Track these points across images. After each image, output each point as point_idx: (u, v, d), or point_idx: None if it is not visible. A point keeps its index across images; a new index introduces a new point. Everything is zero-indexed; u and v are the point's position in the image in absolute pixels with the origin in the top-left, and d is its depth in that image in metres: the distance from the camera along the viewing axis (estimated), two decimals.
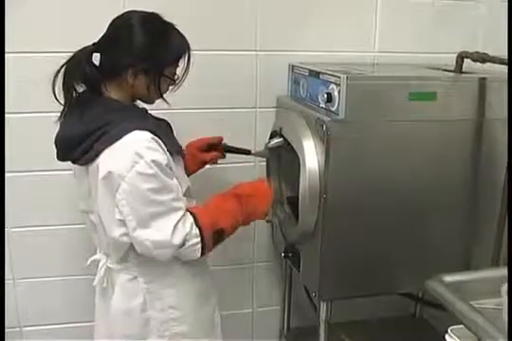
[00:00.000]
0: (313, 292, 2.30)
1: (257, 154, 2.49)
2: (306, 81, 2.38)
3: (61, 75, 1.82)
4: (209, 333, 2.15)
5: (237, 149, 2.41)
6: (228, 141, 2.40)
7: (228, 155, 2.41)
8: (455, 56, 2.33)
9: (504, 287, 1.50)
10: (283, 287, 2.98)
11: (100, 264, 2.04)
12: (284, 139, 2.33)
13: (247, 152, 2.43)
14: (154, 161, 1.74)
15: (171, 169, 1.83)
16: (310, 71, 2.34)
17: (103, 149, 1.77)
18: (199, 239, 1.86)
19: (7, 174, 2.41)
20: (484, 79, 2.17)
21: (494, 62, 2.15)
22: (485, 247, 2.25)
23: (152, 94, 1.90)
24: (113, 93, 1.88)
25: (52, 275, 2.69)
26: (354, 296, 2.37)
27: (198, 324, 2.09)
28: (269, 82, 2.61)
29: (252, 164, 2.69)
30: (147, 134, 1.77)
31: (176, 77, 1.94)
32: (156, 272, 1.97)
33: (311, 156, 2.12)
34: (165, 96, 1.95)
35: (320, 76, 2.22)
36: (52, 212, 2.59)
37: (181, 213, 1.83)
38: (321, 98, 2.18)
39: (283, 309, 3.01)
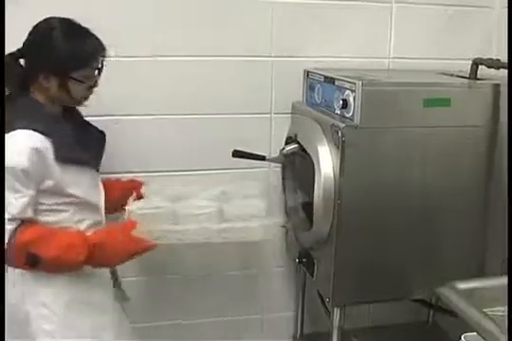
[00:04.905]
0: (327, 297, 2.30)
1: (272, 160, 2.49)
2: (321, 87, 2.38)
3: None
4: None
5: (252, 154, 2.41)
6: (243, 147, 2.40)
7: (243, 161, 2.42)
8: (468, 62, 2.33)
9: None
10: (295, 293, 2.97)
11: None
12: (299, 145, 2.34)
13: (262, 158, 2.43)
14: (10, 167, 1.78)
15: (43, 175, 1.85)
16: (325, 77, 2.35)
17: None
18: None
19: None
20: (497, 85, 2.17)
21: (507, 68, 2.16)
22: (499, 252, 2.24)
23: (65, 96, 1.93)
24: (37, 95, 1.94)
25: None
26: (367, 302, 2.38)
27: (67, 330, 2.02)
28: (284, 88, 2.62)
29: (267, 169, 2.69)
30: (24, 135, 1.81)
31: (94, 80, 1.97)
32: None
33: (326, 162, 2.13)
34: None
35: (336, 82, 2.23)
36: None
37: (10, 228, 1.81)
38: (337, 105, 2.18)
39: (296, 314, 3.00)
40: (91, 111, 2.12)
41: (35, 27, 1.90)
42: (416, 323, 3.13)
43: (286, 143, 2.47)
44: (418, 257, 2.27)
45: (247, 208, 2.05)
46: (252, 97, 2.61)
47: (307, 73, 2.55)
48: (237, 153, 2.38)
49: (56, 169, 1.87)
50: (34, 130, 1.82)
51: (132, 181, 2.41)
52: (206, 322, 2.92)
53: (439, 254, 2.27)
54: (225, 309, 2.92)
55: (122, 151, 2.54)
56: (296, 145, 2.36)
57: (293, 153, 2.39)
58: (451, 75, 2.43)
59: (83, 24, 1.92)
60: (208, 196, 2.13)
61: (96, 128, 2.17)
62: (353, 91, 2.07)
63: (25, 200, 1.83)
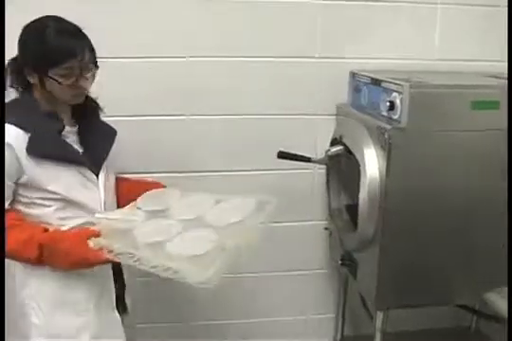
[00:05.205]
0: (369, 300, 2.29)
1: (317, 162, 2.47)
2: (367, 89, 2.37)
3: None
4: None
5: (297, 156, 2.40)
6: (288, 148, 2.40)
7: (287, 162, 2.41)
8: None
9: None
10: (336, 295, 2.96)
11: None
12: (345, 147, 2.33)
13: (307, 160, 2.42)
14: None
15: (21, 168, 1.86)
16: (371, 79, 2.34)
17: None
18: None
19: None
20: None
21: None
22: None
23: (47, 95, 1.91)
24: (35, 93, 1.94)
25: None
26: (410, 306, 2.35)
27: (49, 326, 2.02)
28: (329, 90, 2.61)
29: (311, 171, 2.69)
30: (7, 129, 1.83)
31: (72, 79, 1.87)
32: None
33: (372, 164, 2.12)
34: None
35: (382, 84, 2.22)
36: None
37: None
38: (383, 106, 2.17)
39: (336, 317, 3.00)
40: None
41: (26, 26, 1.88)
42: (458, 328, 3.10)
43: (331, 145, 2.47)
44: (463, 261, 2.24)
45: (190, 247, 1.79)
46: (298, 98, 2.61)
47: (353, 74, 2.54)
48: (282, 155, 2.38)
49: (31, 163, 1.85)
50: (12, 123, 1.84)
51: (155, 184, 2.26)
52: (249, 322, 2.95)
53: (484, 258, 2.24)
54: (267, 309, 2.95)
55: (159, 150, 2.60)
56: (341, 147, 2.35)
57: (338, 155, 2.38)
58: (498, 77, 2.40)
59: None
60: (178, 219, 1.93)
61: (108, 127, 2.14)
62: (400, 93, 2.06)
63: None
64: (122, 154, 2.24)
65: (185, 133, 2.59)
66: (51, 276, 1.97)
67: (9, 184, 1.86)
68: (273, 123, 2.62)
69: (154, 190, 2.14)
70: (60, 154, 1.92)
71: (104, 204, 2.03)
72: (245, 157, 2.65)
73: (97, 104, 2.10)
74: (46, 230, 1.89)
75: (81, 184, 1.97)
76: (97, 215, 1.94)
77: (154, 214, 1.96)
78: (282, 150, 2.39)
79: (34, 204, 1.93)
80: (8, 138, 1.82)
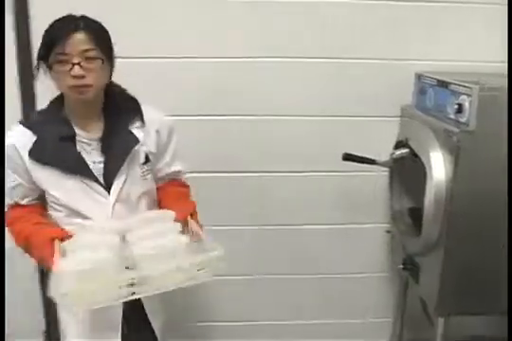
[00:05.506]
0: (431, 306, 2.26)
1: (381, 164, 2.46)
2: (433, 91, 2.34)
3: None
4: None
5: (361, 158, 2.40)
6: (351, 150, 2.40)
7: (350, 164, 2.41)
8: None
9: None
10: (395, 299, 2.94)
11: None
12: (410, 150, 2.31)
13: (372, 162, 2.41)
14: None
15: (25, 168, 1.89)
16: (438, 81, 2.31)
17: None
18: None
19: None
20: None
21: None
22: None
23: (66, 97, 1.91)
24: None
25: None
26: (473, 314, 2.31)
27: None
28: (394, 91, 2.59)
29: (375, 174, 2.66)
30: (13, 129, 1.90)
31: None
32: None
33: (438, 167, 2.10)
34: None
35: (450, 86, 2.18)
36: None
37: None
38: (450, 109, 2.14)
39: (395, 321, 2.97)
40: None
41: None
42: None
43: (396, 147, 2.45)
44: None
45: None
46: (362, 99, 2.60)
47: (419, 76, 2.51)
48: (347, 156, 2.38)
49: (34, 166, 1.87)
50: (25, 126, 1.88)
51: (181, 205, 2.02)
52: (306, 323, 2.97)
53: None
54: (326, 311, 2.96)
55: (221, 150, 2.63)
56: (407, 149, 2.33)
57: (402, 158, 2.36)
58: None
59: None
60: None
61: (132, 136, 1.94)
62: (469, 96, 2.02)
63: (9, 185, 1.92)
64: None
65: (247, 133, 2.62)
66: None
67: (20, 182, 1.91)
68: (337, 124, 2.62)
69: (157, 211, 1.99)
70: (56, 162, 1.87)
71: (111, 216, 1.92)
72: (309, 159, 2.66)
73: (136, 110, 1.99)
74: (35, 224, 1.92)
75: (84, 194, 1.90)
76: (78, 220, 1.90)
77: (119, 230, 1.84)
78: (347, 152, 2.38)
79: (51, 206, 1.96)
80: (10, 139, 1.86)
